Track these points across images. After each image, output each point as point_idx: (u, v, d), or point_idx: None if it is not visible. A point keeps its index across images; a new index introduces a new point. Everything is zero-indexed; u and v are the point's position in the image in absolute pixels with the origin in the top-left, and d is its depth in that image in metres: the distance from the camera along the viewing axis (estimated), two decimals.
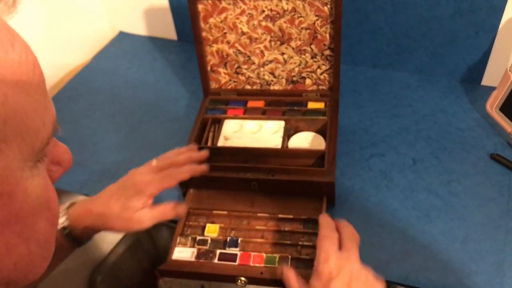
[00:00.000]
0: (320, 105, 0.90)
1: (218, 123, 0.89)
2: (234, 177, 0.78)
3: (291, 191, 0.78)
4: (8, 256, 0.33)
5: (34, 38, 1.13)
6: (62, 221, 0.66)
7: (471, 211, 0.77)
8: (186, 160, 0.73)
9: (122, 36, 1.26)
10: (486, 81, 0.98)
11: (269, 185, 0.78)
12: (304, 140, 0.86)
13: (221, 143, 0.85)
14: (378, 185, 0.82)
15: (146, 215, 0.68)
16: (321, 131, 0.87)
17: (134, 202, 0.67)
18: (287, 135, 0.86)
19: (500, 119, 0.87)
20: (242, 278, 0.70)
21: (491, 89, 0.92)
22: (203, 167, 0.74)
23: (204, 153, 0.77)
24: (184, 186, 0.82)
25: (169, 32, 1.21)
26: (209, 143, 0.86)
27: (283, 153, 0.82)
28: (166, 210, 0.70)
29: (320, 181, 0.76)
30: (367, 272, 0.59)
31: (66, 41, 1.15)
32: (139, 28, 1.24)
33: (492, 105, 0.88)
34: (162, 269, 0.72)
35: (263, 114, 0.90)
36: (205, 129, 0.88)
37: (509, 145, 0.86)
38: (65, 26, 1.14)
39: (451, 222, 0.76)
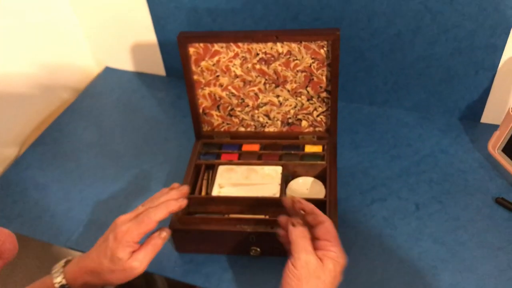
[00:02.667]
0: (318, 148, 0.86)
1: (212, 169, 0.85)
2: (231, 231, 0.74)
3: None
4: None
5: (16, 73, 1.08)
6: (59, 280, 0.66)
7: (480, 261, 0.73)
8: (165, 200, 0.69)
9: (109, 72, 1.22)
10: (485, 118, 0.95)
11: (269, 239, 0.74)
12: (302, 186, 0.82)
13: (215, 191, 0.81)
14: (381, 234, 0.79)
15: (137, 261, 0.65)
16: (320, 176, 0.83)
17: (120, 254, 0.65)
18: (285, 180, 0.82)
19: (503, 160, 0.84)
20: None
21: (491, 126, 0.90)
22: (181, 202, 0.69)
23: (185, 189, 0.73)
24: (181, 247, 0.78)
25: (158, 67, 1.17)
26: (203, 192, 0.82)
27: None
28: (153, 243, 0.67)
29: None
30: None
31: (50, 78, 1.11)
32: (126, 63, 1.20)
33: (495, 146, 0.86)
34: None
35: (259, 158, 0.86)
36: (198, 176, 0.83)
37: None
38: (48, 61, 1.09)
39: (459, 274, 0.72)
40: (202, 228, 0.74)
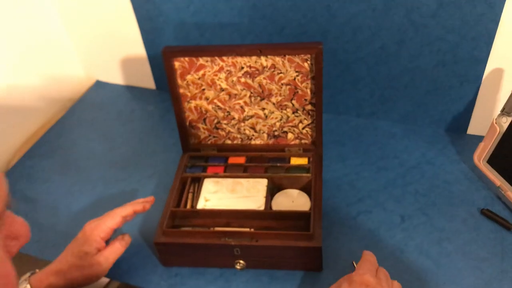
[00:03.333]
0: (303, 160, 0.87)
1: (198, 182, 0.85)
2: (216, 244, 0.74)
3: (278, 258, 0.74)
4: None
5: (6, 87, 1.08)
6: (23, 286, 0.68)
7: (465, 273, 0.73)
8: (131, 202, 0.77)
9: (99, 86, 1.23)
10: (472, 130, 0.96)
11: (253, 252, 0.74)
12: (288, 199, 0.82)
13: (201, 204, 0.81)
14: (367, 246, 0.78)
15: (103, 257, 0.70)
16: (305, 189, 0.83)
17: (86, 249, 0.69)
18: (270, 193, 0.83)
19: (489, 172, 0.84)
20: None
21: (477, 138, 0.90)
22: (145, 204, 0.76)
23: (151, 198, 0.78)
24: (166, 261, 0.78)
25: (147, 81, 1.18)
26: (189, 205, 0.82)
27: (267, 215, 0.79)
28: (119, 243, 0.73)
29: (306, 246, 0.72)
30: None
31: (40, 91, 1.11)
32: (116, 77, 1.21)
33: (480, 157, 0.86)
34: None
35: (245, 171, 0.86)
36: (184, 188, 0.84)
37: (499, 199, 0.83)
38: (39, 75, 1.10)
39: (444, 286, 0.72)
40: (186, 241, 0.75)
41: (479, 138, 0.87)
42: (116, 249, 0.73)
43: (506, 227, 0.79)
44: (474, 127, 0.95)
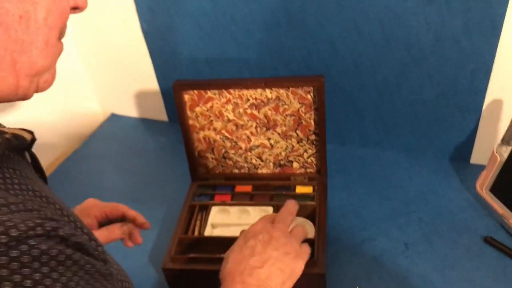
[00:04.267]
0: (308, 189, 0.89)
1: (206, 210, 0.88)
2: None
3: None
4: None
5: (22, 120, 1.13)
6: None
7: None
8: None
9: (114, 119, 1.28)
10: (474, 159, 0.98)
11: None
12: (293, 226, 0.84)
13: (208, 232, 0.83)
14: (371, 274, 0.80)
15: None
16: (310, 216, 0.85)
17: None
18: None
19: (491, 200, 0.86)
20: None
21: (480, 167, 0.91)
22: (146, 222, 0.75)
23: (148, 226, 0.77)
24: (173, 287, 0.80)
25: (160, 113, 1.23)
26: (196, 232, 0.84)
27: None
28: (111, 229, 0.71)
29: (310, 273, 0.74)
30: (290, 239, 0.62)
31: (56, 125, 1.17)
32: (130, 110, 1.26)
33: (482, 186, 0.87)
34: None
35: (251, 199, 0.89)
36: (192, 216, 0.86)
37: (502, 227, 0.84)
38: (56, 109, 1.16)
39: None
40: (194, 268, 0.77)
41: (482, 167, 0.89)
42: (107, 234, 0.71)
43: (509, 255, 0.79)
44: (477, 157, 0.97)
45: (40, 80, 0.44)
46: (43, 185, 0.44)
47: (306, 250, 0.63)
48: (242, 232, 0.65)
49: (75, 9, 0.45)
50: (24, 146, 0.46)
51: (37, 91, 0.44)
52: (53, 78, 0.46)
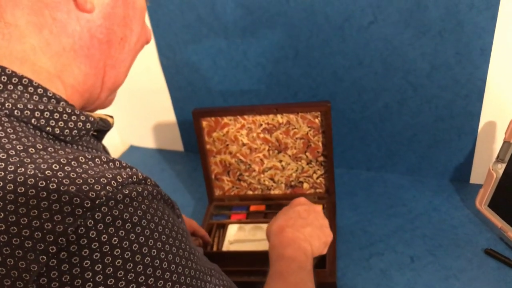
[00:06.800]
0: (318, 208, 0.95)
1: (223, 228, 0.94)
2: (238, 281, 0.81)
3: None
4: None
5: None
6: None
7: None
8: None
9: (133, 150, 1.36)
10: (474, 179, 1.04)
11: None
12: None
13: (225, 247, 0.89)
14: (379, 284, 0.85)
15: None
16: None
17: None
18: None
19: (490, 215, 0.91)
20: None
21: (480, 186, 0.97)
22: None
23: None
24: None
25: (176, 144, 1.31)
26: (215, 248, 0.90)
27: None
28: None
29: (322, 282, 0.79)
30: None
31: None
32: (148, 141, 1.34)
33: (481, 202, 0.93)
34: None
35: (265, 217, 0.95)
36: (210, 234, 0.92)
37: (501, 240, 0.89)
38: None
39: None
40: None
41: (481, 186, 0.95)
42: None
43: (509, 265, 0.84)
44: (476, 176, 1.03)
45: (110, 97, 0.54)
46: None
47: (331, 233, 0.74)
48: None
49: (147, 42, 0.56)
50: (109, 128, 0.55)
51: (102, 107, 0.54)
52: (114, 99, 0.56)
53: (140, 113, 1.29)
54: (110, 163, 0.44)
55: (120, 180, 0.41)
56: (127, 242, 0.40)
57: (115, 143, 1.36)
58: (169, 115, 1.25)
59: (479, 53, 0.88)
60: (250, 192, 1.00)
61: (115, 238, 0.39)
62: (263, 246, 0.88)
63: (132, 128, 1.34)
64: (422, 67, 0.93)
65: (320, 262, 0.84)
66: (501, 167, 0.89)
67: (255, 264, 0.86)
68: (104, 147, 0.60)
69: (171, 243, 0.43)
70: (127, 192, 0.41)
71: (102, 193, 0.39)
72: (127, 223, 0.40)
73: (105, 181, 0.40)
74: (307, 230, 0.70)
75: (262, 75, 1.07)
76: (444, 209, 0.99)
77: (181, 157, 1.30)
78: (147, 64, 1.17)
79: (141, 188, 0.43)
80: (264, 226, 0.92)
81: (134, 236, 0.40)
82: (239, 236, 0.91)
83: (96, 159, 0.43)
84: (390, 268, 0.88)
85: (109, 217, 0.39)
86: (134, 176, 0.43)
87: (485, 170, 0.99)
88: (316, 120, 0.90)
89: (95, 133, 0.53)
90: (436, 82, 0.95)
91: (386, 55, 0.94)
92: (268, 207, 0.97)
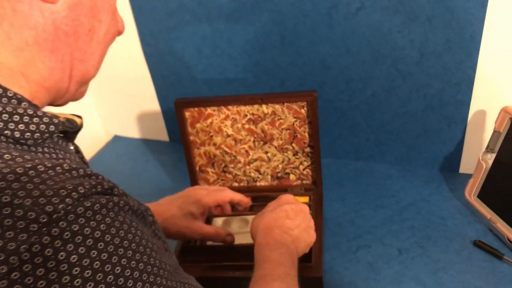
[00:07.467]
0: (305, 199, 0.93)
1: (208, 221, 0.91)
2: (222, 277, 0.79)
3: None
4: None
5: None
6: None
7: None
8: None
9: (117, 140, 1.33)
10: (463, 169, 1.02)
11: None
12: None
13: (210, 241, 0.87)
14: (367, 278, 0.83)
15: (199, 227, 0.76)
16: None
17: (192, 209, 0.76)
18: None
19: (479, 206, 0.90)
20: None
21: (469, 176, 0.96)
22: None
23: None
24: None
25: (161, 134, 1.28)
26: (198, 242, 0.88)
27: None
28: (220, 232, 0.78)
29: (308, 277, 0.77)
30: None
31: None
32: (132, 131, 1.31)
33: (470, 193, 0.92)
34: None
35: (251, 210, 0.93)
36: None
37: (491, 231, 0.88)
38: None
39: None
40: (194, 275, 0.79)
41: (471, 176, 0.93)
42: (216, 234, 0.77)
43: (497, 257, 0.83)
44: (466, 166, 1.01)
45: (81, 89, 0.51)
46: None
47: (315, 235, 0.72)
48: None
49: (119, 34, 0.53)
50: (77, 129, 0.52)
51: (73, 99, 0.50)
52: (86, 91, 0.53)
53: (123, 103, 1.26)
54: (73, 171, 0.40)
55: (82, 191, 0.38)
56: (88, 260, 0.37)
57: (99, 133, 1.33)
58: (153, 105, 1.22)
59: (469, 40, 0.86)
60: (236, 184, 0.98)
61: (74, 256, 0.36)
62: (248, 239, 0.86)
63: (116, 117, 1.31)
64: (411, 54, 0.91)
65: (306, 256, 0.82)
66: (490, 157, 0.88)
67: (240, 259, 0.84)
68: (76, 147, 0.57)
69: (138, 259, 0.40)
70: (89, 204, 0.38)
71: (60, 206, 0.36)
72: (88, 239, 0.37)
73: (65, 192, 0.37)
74: (295, 232, 0.68)
75: (248, 63, 1.04)
76: (433, 200, 0.97)
77: (166, 147, 1.27)
78: (129, 53, 1.13)
79: (105, 200, 0.39)
80: (250, 218, 0.90)
81: (95, 253, 0.37)
82: (224, 229, 0.88)
83: (57, 167, 0.39)
84: (377, 260, 0.86)
85: (67, 232, 0.36)
86: (99, 186, 0.40)
87: (475, 159, 0.97)
88: (302, 111, 0.88)
89: (61, 135, 0.50)
90: (425, 70, 0.92)
91: (374, 42, 0.92)
92: (254, 199, 0.95)
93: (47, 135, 0.44)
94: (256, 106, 0.89)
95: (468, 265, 0.83)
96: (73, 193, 0.37)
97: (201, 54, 1.06)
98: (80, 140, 1.33)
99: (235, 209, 0.93)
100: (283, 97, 0.87)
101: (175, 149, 1.24)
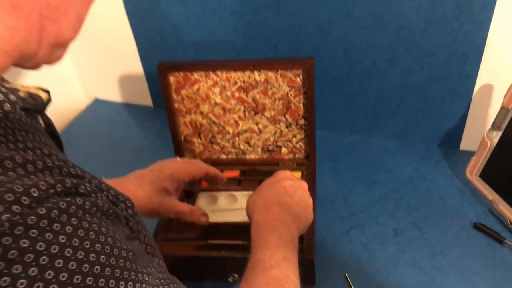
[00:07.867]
0: (297, 174, 0.87)
1: (192, 196, 0.85)
2: (208, 256, 0.74)
3: None
4: None
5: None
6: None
7: (456, 287, 0.73)
8: None
9: (98, 104, 1.24)
10: (464, 145, 0.97)
11: (246, 264, 0.74)
12: None
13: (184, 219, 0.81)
14: (360, 260, 0.79)
15: (174, 204, 0.70)
16: None
17: (167, 184, 0.69)
18: None
19: (481, 186, 0.85)
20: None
21: (470, 153, 0.91)
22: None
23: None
24: None
25: (145, 98, 1.20)
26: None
27: None
28: (194, 210, 0.71)
29: (299, 259, 0.72)
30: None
31: None
32: (114, 95, 1.23)
33: (472, 172, 0.87)
34: None
35: (239, 184, 0.87)
36: None
37: (491, 213, 0.84)
38: None
39: None
40: (179, 254, 0.75)
41: (472, 153, 0.88)
42: (191, 213, 0.71)
43: (498, 241, 0.79)
44: (467, 143, 0.96)
45: (56, 53, 0.42)
46: (59, 152, 0.41)
47: (313, 215, 0.66)
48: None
49: None
50: (40, 106, 0.43)
51: (47, 63, 0.42)
52: (63, 55, 0.44)
53: (105, 64, 1.17)
54: (28, 165, 0.32)
55: (36, 194, 0.30)
56: (41, 284, 0.29)
57: (78, 95, 1.24)
58: (136, 67, 1.13)
59: (481, 7, 0.78)
60: (224, 156, 0.91)
61: (21, 281, 0.28)
62: (235, 216, 0.80)
63: (96, 79, 1.22)
64: (417, 21, 0.84)
65: None
66: (496, 135, 0.82)
67: (226, 237, 0.79)
68: (48, 119, 0.49)
69: (107, 275, 0.33)
70: (43, 211, 0.30)
71: (4, 217, 0.28)
72: (41, 256, 0.29)
73: (12, 197, 0.29)
74: (294, 209, 0.61)
75: (239, 25, 0.96)
76: (431, 177, 0.92)
77: (150, 113, 1.19)
78: (110, 10, 1.04)
79: (65, 203, 0.32)
80: (238, 194, 0.84)
81: (52, 274, 0.29)
82: (210, 206, 0.83)
83: (6, 162, 0.31)
84: (371, 242, 0.82)
85: (13, 251, 0.28)
86: (59, 185, 0.32)
87: (477, 136, 0.92)
88: (298, 79, 0.81)
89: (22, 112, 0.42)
90: (431, 39, 0.85)
91: (378, 7, 0.84)
92: (242, 173, 0.89)
93: (0, 115, 0.36)
94: (247, 73, 0.81)
95: (468, 248, 0.79)
96: (23, 198, 0.29)
97: (188, 13, 0.97)
98: (58, 102, 1.25)
99: (210, 185, 0.87)
100: (277, 64, 0.80)
101: (159, 115, 1.17)
